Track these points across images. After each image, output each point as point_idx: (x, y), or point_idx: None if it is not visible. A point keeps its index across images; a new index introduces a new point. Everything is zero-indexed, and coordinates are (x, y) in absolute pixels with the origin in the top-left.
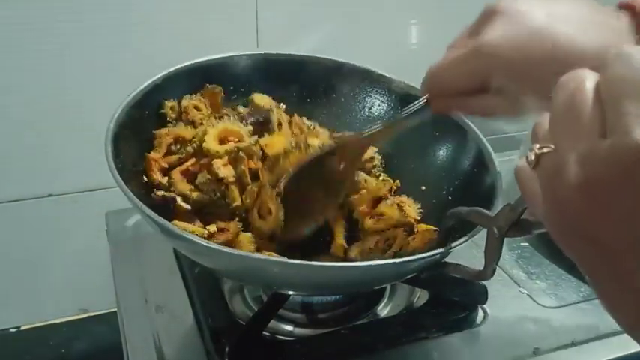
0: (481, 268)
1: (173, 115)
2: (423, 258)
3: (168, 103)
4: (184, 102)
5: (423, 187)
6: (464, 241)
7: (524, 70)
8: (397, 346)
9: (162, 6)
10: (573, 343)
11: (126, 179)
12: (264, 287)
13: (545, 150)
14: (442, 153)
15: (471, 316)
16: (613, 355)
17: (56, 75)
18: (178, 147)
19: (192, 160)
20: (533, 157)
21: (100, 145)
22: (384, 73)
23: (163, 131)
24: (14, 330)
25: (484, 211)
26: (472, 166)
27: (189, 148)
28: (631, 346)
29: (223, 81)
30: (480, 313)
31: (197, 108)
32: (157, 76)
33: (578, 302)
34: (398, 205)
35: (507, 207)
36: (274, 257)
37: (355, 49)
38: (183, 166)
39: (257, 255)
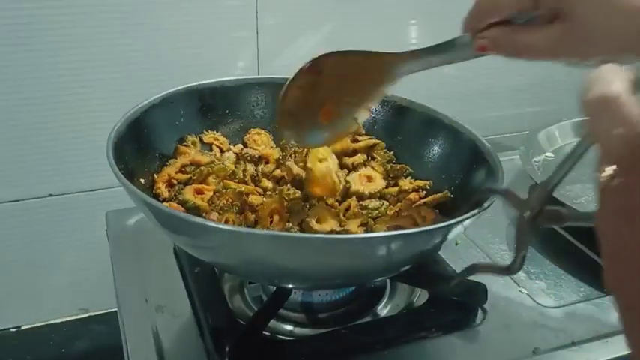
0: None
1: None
2: (425, 231)
3: (190, 138)
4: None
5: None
6: (473, 215)
7: None
8: (397, 346)
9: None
10: (573, 343)
11: (128, 179)
12: (269, 278)
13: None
14: (437, 156)
15: (470, 316)
16: (613, 355)
17: (56, 76)
18: (193, 168)
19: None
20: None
21: (100, 146)
22: None
23: (183, 150)
24: (14, 330)
25: (515, 193)
26: (470, 162)
27: (203, 169)
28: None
29: (218, 104)
30: (480, 313)
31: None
32: (154, 97)
33: (578, 302)
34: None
35: (538, 186)
36: (280, 232)
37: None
38: (199, 185)
39: (266, 231)
